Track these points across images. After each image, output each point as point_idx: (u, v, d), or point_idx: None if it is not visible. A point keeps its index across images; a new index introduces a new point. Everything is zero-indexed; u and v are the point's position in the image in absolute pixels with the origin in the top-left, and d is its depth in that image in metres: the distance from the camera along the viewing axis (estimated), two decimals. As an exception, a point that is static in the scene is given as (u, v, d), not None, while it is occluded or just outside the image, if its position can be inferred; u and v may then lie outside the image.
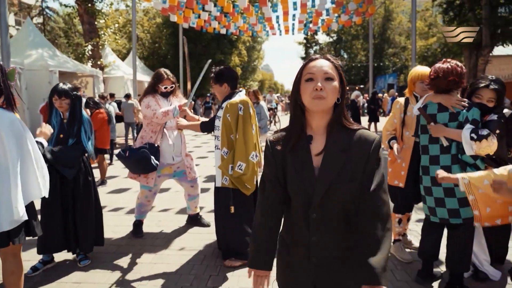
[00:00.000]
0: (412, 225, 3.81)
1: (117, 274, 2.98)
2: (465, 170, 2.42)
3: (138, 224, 3.87)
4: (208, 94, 18.04)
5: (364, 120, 14.05)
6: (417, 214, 4.09)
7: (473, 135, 2.32)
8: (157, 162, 3.53)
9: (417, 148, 2.87)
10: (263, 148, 1.62)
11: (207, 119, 3.38)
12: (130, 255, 3.34)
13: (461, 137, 2.36)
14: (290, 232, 1.40)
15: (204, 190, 5.35)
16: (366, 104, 16.70)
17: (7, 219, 1.91)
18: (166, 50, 25.10)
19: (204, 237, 3.73)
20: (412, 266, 3.02)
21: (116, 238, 3.75)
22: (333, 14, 12.49)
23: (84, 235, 3.09)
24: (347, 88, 1.37)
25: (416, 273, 2.81)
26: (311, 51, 38.39)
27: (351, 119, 1.34)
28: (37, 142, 2.33)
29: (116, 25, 15.39)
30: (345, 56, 36.40)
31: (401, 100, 3.13)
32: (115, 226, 4.07)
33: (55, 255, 3.18)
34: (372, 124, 12.59)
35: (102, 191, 5.57)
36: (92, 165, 3.31)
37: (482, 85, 2.56)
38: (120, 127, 10.13)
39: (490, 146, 2.30)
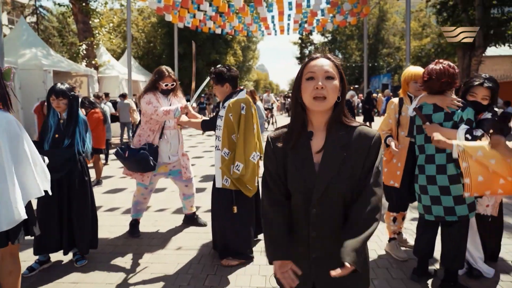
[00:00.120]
0: (407, 223, 3.85)
1: (114, 274, 2.98)
2: (460, 168, 2.46)
3: (134, 224, 3.87)
4: (203, 95, 18.01)
5: (359, 120, 14.10)
6: (412, 213, 4.13)
7: (467, 135, 2.36)
8: (155, 162, 3.53)
9: (412, 148, 2.90)
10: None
11: (207, 118, 3.37)
12: (127, 255, 3.33)
13: (456, 137, 2.40)
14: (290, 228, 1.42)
15: (200, 190, 5.36)
16: (360, 104, 16.79)
17: (6, 219, 1.91)
18: (161, 49, 25.02)
19: (201, 236, 3.74)
20: (407, 264, 3.05)
21: (113, 238, 3.75)
22: (328, 14, 12.56)
23: (81, 235, 3.08)
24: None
25: (411, 271, 2.85)
26: (306, 51, 38.52)
27: (351, 117, 1.36)
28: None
29: (111, 24, 15.31)
30: (340, 56, 36.52)
31: (395, 100, 3.16)
32: (111, 226, 4.06)
33: (51, 255, 3.17)
34: (367, 124, 12.66)
35: (97, 191, 5.55)
36: (88, 165, 3.31)
37: (476, 83, 2.60)
38: (115, 127, 10.08)
39: None
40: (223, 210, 3.10)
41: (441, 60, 2.58)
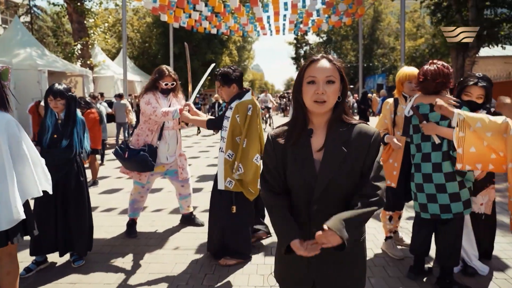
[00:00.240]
0: (403, 222, 3.89)
1: (112, 274, 2.98)
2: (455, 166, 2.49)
3: (131, 224, 3.87)
4: (198, 95, 17.97)
5: (355, 119, 14.17)
6: (408, 212, 4.17)
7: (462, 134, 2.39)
8: (153, 163, 3.53)
9: (408, 148, 2.93)
10: None
11: (211, 117, 3.32)
12: (124, 255, 3.33)
13: (452, 136, 2.43)
14: None
15: (196, 190, 5.36)
16: (355, 104, 16.88)
17: (6, 218, 1.91)
18: (156, 49, 24.93)
19: (198, 236, 3.74)
20: (404, 262, 3.09)
21: (110, 239, 3.74)
22: (324, 14, 12.60)
23: (78, 236, 3.07)
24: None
25: (408, 269, 2.88)
26: (301, 51, 38.59)
27: (351, 115, 1.39)
28: None
29: (106, 24, 15.23)
30: (335, 56, 36.60)
31: (390, 101, 3.19)
32: (109, 227, 4.05)
33: (48, 256, 3.15)
34: (363, 123, 12.73)
35: (94, 191, 5.54)
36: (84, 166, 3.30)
37: (471, 83, 2.65)
38: (110, 127, 10.04)
39: None
40: (224, 211, 3.09)
41: (435, 61, 2.62)
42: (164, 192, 5.54)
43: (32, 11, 24.90)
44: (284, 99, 25.72)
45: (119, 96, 10.00)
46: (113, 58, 19.19)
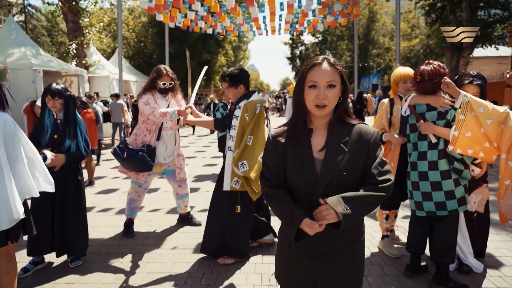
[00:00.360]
0: (399, 221, 3.92)
1: (110, 274, 2.98)
2: (453, 164, 2.53)
3: (129, 224, 3.87)
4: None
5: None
6: (404, 211, 4.20)
7: None
8: (152, 163, 3.54)
9: (404, 148, 2.95)
10: None
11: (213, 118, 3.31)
12: (122, 255, 3.33)
13: (448, 135, 2.47)
14: None
15: (194, 190, 5.37)
16: (351, 104, 16.94)
17: (6, 218, 1.91)
18: (152, 49, 24.85)
19: (196, 235, 3.75)
20: (400, 261, 3.12)
21: (107, 239, 3.74)
22: (319, 15, 12.65)
23: (77, 237, 3.06)
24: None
25: (404, 267, 2.91)
26: (297, 51, 38.68)
27: (352, 115, 1.41)
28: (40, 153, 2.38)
29: (101, 24, 15.16)
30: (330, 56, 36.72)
31: (386, 101, 3.21)
32: (106, 227, 4.05)
33: (45, 256, 3.14)
34: (359, 124, 12.78)
35: (90, 191, 5.53)
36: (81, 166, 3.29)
37: (466, 81, 2.71)
38: (106, 127, 10.00)
39: None
40: (227, 212, 3.08)
41: (431, 61, 2.65)
42: (161, 192, 5.54)
43: (26, 10, 24.71)
44: (280, 99, 25.73)
45: (116, 96, 9.96)
46: (108, 57, 19.11)
